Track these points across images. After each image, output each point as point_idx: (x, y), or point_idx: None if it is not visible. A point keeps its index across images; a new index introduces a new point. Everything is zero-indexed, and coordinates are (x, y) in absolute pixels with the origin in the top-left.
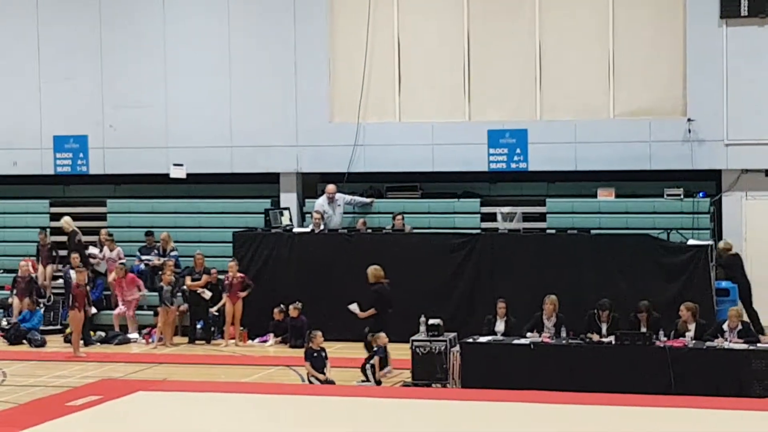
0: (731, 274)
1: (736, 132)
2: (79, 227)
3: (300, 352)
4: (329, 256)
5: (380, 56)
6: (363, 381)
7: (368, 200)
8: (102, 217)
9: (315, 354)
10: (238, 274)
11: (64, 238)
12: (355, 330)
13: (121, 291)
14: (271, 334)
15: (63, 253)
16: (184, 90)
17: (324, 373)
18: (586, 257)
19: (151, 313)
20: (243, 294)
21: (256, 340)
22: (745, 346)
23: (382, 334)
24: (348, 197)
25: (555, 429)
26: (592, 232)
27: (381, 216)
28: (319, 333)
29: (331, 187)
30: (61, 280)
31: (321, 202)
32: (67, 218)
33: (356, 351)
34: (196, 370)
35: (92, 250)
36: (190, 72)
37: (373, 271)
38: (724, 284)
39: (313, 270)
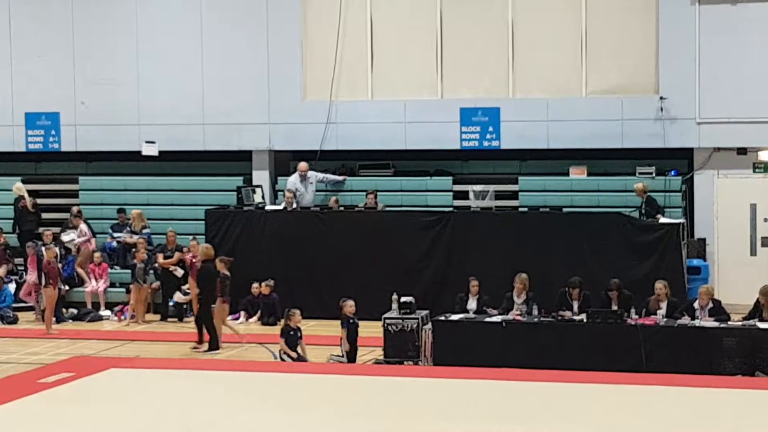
0: (651, 211)
1: (708, 110)
2: (51, 204)
3: (272, 330)
4: (301, 233)
5: (353, 34)
6: (335, 356)
7: (340, 178)
8: (74, 194)
9: (291, 332)
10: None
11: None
12: (328, 308)
13: None
14: (243, 312)
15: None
16: (156, 67)
17: (296, 351)
18: (557, 235)
19: (123, 290)
20: None
21: (228, 317)
22: (716, 324)
23: (349, 302)
24: (320, 175)
25: (526, 406)
26: (564, 210)
27: (353, 194)
28: (298, 312)
29: (303, 165)
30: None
31: (293, 180)
32: (18, 184)
33: (329, 328)
34: (168, 347)
35: (67, 236)
36: (163, 49)
37: (204, 249)
38: (695, 262)
39: (285, 248)
